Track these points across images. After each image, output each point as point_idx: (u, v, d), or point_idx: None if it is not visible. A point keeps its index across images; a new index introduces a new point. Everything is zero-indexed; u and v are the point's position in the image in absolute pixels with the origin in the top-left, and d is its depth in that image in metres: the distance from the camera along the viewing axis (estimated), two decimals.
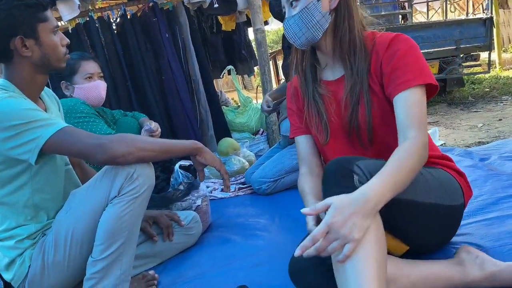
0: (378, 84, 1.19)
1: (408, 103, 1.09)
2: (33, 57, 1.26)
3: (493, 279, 1.08)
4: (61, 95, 1.84)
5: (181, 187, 1.86)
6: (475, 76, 6.91)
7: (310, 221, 1.00)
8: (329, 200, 0.89)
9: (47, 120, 1.19)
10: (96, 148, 1.18)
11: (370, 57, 1.19)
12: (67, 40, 1.34)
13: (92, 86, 1.94)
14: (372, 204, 0.90)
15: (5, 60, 1.26)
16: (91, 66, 1.95)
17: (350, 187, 0.94)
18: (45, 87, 1.40)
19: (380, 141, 1.21)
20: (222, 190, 2.64)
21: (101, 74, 2.01)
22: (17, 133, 1.15)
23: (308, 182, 1.24)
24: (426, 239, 1.17)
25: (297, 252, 0.89)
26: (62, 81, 1.93)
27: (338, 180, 0.98)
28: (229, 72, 3.81)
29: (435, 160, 1.25)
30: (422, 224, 1.10)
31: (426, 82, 1.11)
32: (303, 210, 0.91)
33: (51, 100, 1.48)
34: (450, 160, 1.29)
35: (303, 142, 1.36)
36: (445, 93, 6.28)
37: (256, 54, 3.53)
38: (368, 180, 0.96)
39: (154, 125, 2.06)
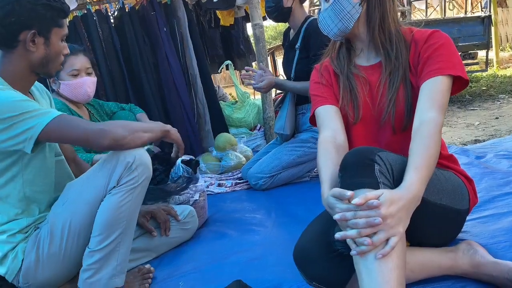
0: (416, 75, 1.21)
1: (433, 89, 1.11)
2: (35, 55, 1.26)
3: (478, 271, 1.12)
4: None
5: (180, 181, 1.86)
6: (473, 74, 6.91)
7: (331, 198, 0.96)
8: (379, 191, 0.91)
9: (40, 110, 1.19)
10: (98, 133, 1.19)
11: (409, 48, 1.23)
12: (67, 51, 1.36)
13: (77, 84, 1.85)
14: (416, 200, 0.93)
15: (6, 48, 1.25)
16: (78, 61, 1.85)
17: (371, 177, 0.95)
18: (37, 81, 1.39)
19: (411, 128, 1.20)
20: (219, 185, 2.65)
21: (90, 70, 1.91)
22: (10, 125, 1.14)
23: (329, 162, 1.12)
24: (428, 238, 1.17)
25: (337, 217, 0.91)
26: None
27: (359, 171, 0.97)
28: (227, 67, 3.79)
29: (445, 162, 1.27)
30: (428, 223, 1.11)
31: (456, 74, 1.13)
32: (354, 201, 0.89)
33: (42, 95, 1.46)
34: (456, 161, 1.32)
35: (328, 111, 1.29)
36: None
37: (254, 50, 3.52)
38: (388, 170, 0.98)
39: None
